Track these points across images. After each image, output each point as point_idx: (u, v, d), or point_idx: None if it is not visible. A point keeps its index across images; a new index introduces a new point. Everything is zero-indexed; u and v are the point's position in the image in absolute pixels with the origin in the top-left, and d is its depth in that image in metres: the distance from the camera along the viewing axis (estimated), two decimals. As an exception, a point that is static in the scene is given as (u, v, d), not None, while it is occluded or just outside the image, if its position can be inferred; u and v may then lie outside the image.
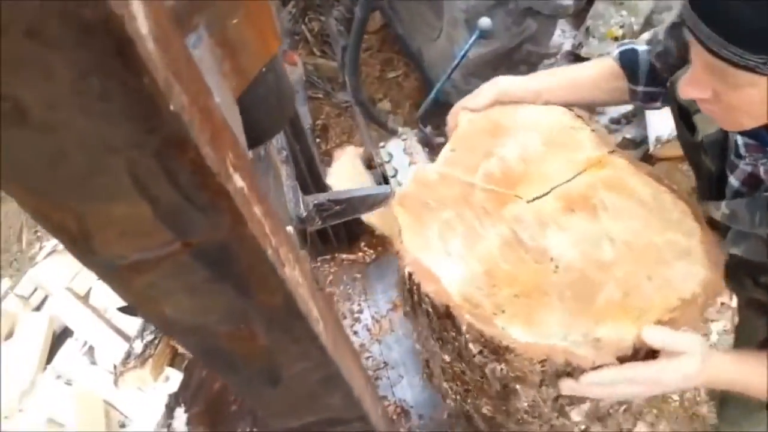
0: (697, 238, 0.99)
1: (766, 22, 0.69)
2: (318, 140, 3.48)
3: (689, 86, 0.87)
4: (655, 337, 0.86)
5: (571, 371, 0.91)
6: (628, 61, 1.22)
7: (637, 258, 0.98)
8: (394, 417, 1.46)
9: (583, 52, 2.85)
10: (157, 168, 0.32)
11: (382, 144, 1.69)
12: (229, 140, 0.40)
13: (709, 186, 1.09)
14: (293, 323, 0.49)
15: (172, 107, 0.29)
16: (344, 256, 1.73)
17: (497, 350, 0.93)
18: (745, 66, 0.74)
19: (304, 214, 0.90)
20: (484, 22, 1.69)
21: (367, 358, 1.61)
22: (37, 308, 2.61)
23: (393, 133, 2.07)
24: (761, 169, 0.96)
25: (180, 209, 0.34)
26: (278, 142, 0.97)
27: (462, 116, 1.27)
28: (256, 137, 0.81)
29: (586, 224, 1.04)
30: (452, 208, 1.12)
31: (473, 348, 0.97)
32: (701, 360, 0.87)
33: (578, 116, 1.21)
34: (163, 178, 0.32)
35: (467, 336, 0.96)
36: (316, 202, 1.05)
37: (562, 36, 3.04)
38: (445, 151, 1.23)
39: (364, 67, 3.59)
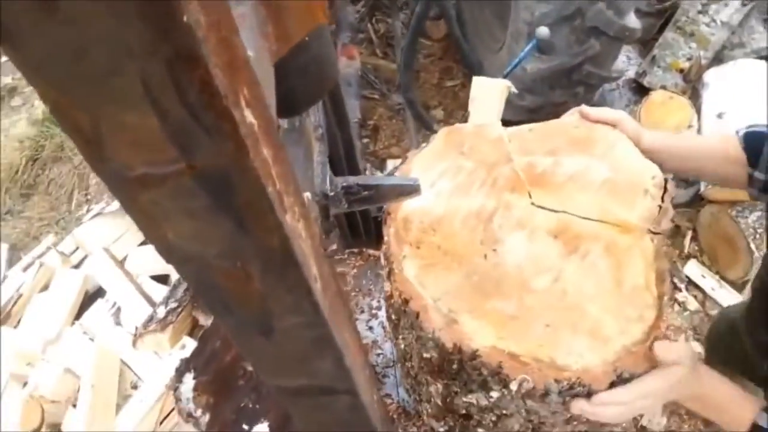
0: (622, 347, 0.93)
1: None
2: (367, 140, 3.52)
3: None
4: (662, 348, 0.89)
5: (585, 392, 0.91)
6: (752, 143, 1.13)
7: (558, 307, 0.97)
8: (395, 416, 1.46)
9: (645, 81, 2.80)
10: (167, 79, 0.34)
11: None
12: (247, 78, 0.41)
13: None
14: (288, 270, 0.50)
15: (185, 18, 0.30)
16: (372, 251, 1.73)
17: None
18: None
19: (331, 192, 0.92)
20: (543, 31, 1.68)
21: (378, 354, 1.61)
22: (76, 266, 2.72)
23: (438, 135, 2.08)
24: None
25: (186, 127, 0.36)
26: (316, 118, 0.98)
27: (571, 113, 1.28)
28: (292, 105, 0.83)
29: (551, 252, 1.04)
30: (474, 162, 1.20)
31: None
32: (692, 367, 0.91)
33: (662, 187, 1.11)
34: (173, 91, 0.34)
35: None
36: (345, 184, 1.06)
37: (627, 62, 2.99)
38: (523, 127, 1.25)
39: (422, 74, 3.61)
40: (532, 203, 1.13)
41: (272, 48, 0.67)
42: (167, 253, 0.46)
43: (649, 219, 1.05)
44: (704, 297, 2.57)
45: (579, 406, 0.91)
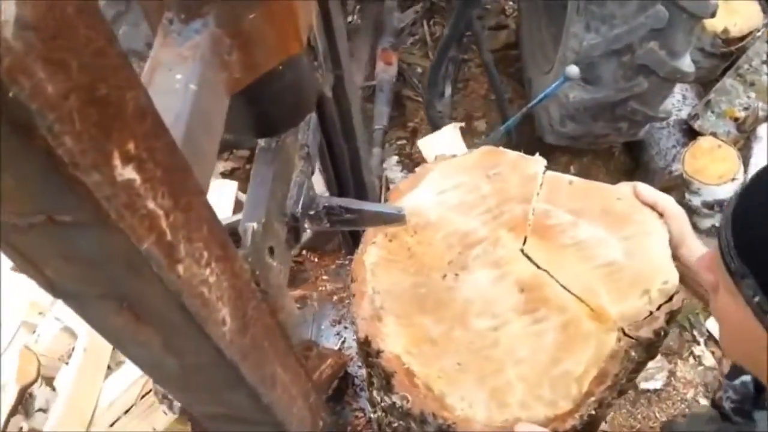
0: (515, 418, 0.89)
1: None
2: (404, 142, 3.50)
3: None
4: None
5: None
6: None
7: (480, 353, 0.97)
8: (359, 427, 1.46)
9: (696, 124, 2.67)
10: (16, 144, 0.34)
11: (456, 154, 1.67)
12: (135, 133, 0.41)
13: None
14: (178, 317, 0.50)
15: (11, 94, 0.30)
16: (349, 311, 1.72)
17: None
18: (735, 280, 0.71)
19: (311, 212, 0.92)
20: (572, 70, 1.62)
21: (360, 367, 1.61)
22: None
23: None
24: None
25: (40, 186, 0.36)
26: (304, 137, 0.98)
27: (627, 185, 1.17)
28: (267, 129, 0.83)
29: (508, 302, 1.01)
30: (493, 189, 1.16)
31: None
32: None
33: (666, 297, 1.02)
34: (21, 155, 0.34)
35: None
36: (327, 204, 1.05)
37: (682, 102, 2.86)
38: (566, 176, 1.19)
39: (471, 83, 3.55)
40: (522, 249, 1.09)
41: (234, 76, 0.66)
42: (50, 288, 0.46)
43: (630, 320, 0.97)
44: (722, 355, 2.46)
45: None
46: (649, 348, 1.00)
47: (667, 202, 1.12)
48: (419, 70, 3.62)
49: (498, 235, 1.11)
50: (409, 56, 3.79)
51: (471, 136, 3.27)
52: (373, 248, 1.10)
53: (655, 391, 2.51)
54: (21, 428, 1.86)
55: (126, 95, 0.40)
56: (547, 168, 1.20)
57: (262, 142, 0.86)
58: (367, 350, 0.97)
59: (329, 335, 1.68)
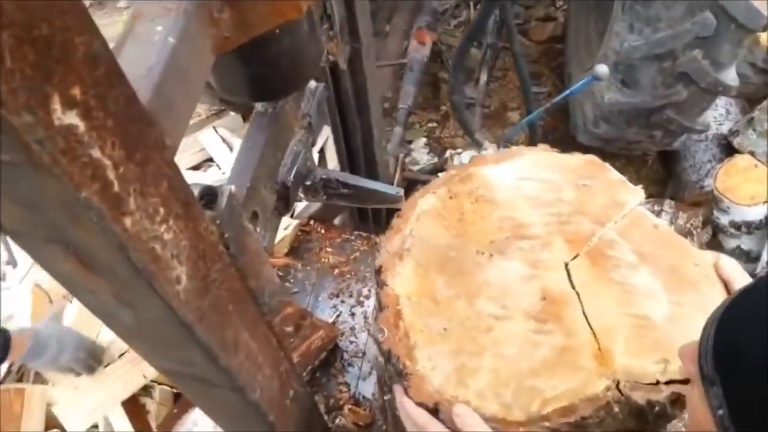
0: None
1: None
2: (434, 125, 3.46)
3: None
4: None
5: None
6: None
7: (466, 334, 0.97)
8: (347, 408, 1.47)
9: (735, 142, 2.58)
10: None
11: (459, 150, 1.64)
12: (84, 77, 0.40)
13: None
14: (124, 270, 0.50)
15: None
16: (379, 238, 1.70)
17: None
18: (705, 386, 0.65)
19: (290, 181, 0.91)
20: (601, 69, 1.57)
21: (351, 342, 1.61)
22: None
23: (477, 144, 2.00)
24: None
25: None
26: (307, 107, 0.96)
27: (714, 255, 1.08)
28: (261, 93, 0.82)
29: (522, 302, 1.01)
30: (573, 198, 1.12)
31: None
32: None
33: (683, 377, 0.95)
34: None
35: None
36: (324, 176, 1.05)
37: (724, 116, 2.75)
38: (652, 218, 1.10)
39: (510, 72, 3.49)
40: (566, 263, 1.04)
41: (224, 34, 0.65)
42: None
43: (632, 378, 0.91)
44: None
45: (397, 389, 0.91)
46: (638, 417, 0.93)
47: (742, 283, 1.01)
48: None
49: (552, 240, 1.06)
50: (450, 38, 3.73)
51: (501, 127, 3.22)
52: (431, 197, 1.10)
53: None
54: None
55: (75, 39, 0.39)
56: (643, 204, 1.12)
57: (259, 106, 0.85)
58: (377, 278, 1.01)
59: (325, 307, 1.69)
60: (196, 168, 3.02)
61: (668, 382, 0.89)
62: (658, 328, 0.96)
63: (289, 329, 1.55)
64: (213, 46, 0.63)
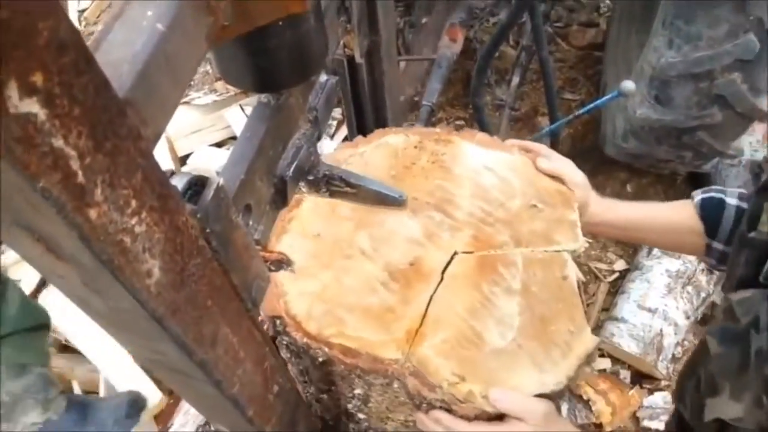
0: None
1: None
2: (463, 123, 3.41)
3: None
4: (499, 397, 0.89)
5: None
6: (710, 212, 1.08)
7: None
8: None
9: (769, 169, 2.49)
10: None
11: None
12: (48, 65, 0.39)
13: None
14: (91, 264, 0.48)
15: None
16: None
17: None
18: None
19: (289, 175, 0.89)
20: (627, 85, 1.52)
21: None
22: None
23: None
24: None
25: None
26: (314, 100, 0.94)
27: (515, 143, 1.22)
28: (263, 84, 0.80)
29: (395, 254, 1.09)
30: (520, 204, 1.14)
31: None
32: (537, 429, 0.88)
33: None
34: None
35: None
36: (328, 173, 1.03)
37: (760, 143, 2.66)
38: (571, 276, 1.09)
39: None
40: (456, 252, 1.08)
41: (222, 23, 0.63)
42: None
43: (421, 369, 0.95)
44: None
45: (418, 417, 0.95)
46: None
47: (566, 170, 1.14)
48: (496, 53, 3.50)
49: (463, 228, 1.10)
50: (486, 36, 3.67)
51: (530, 131, 3.16)
52: (401, 137, 1.19)
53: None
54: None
55: (38, 24, 0.37)
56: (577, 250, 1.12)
57: (262, 96, 0.84)
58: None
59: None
60: (219, 145, 3.03)
61: (447, 395, 0.92)
62: (482, 352, 0.96)
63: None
64: (209, 34, 0.61)
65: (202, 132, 2.89)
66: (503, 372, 0.93)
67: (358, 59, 1.12)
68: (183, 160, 2.80)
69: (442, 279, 1.02)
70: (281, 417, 1.02)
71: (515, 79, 2.62)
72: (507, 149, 1.19)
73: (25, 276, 2.19)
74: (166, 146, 2.66)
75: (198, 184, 0.68)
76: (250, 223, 0.84)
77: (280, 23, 0.69)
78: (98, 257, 0.48)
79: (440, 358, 0.94)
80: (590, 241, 2.80)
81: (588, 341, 0.96)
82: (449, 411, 0.92)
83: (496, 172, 1.15)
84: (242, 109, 2.99)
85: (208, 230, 0.65)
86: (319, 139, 1.01)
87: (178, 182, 0.66)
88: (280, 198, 0.92)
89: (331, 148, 2.44)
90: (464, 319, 0.97)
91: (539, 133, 2.10)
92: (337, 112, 2.74)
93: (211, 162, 2.69)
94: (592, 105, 1.79)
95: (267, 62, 0.74)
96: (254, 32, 0.68)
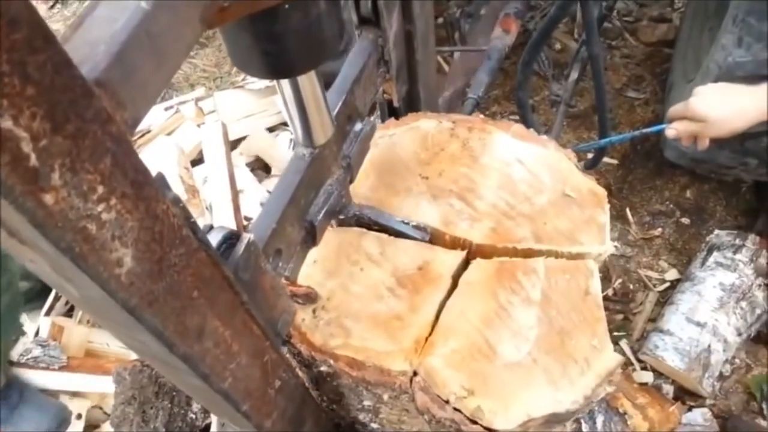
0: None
1: None
2: (517, 118, 3.30)
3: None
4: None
5: None
6: None
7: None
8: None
9: None
10: None
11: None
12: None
13: None
14: (51, 251, 0.47)
15: None
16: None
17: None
18: None
19: (318, 220, 0.90)
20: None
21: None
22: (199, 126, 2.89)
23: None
24: None
25: None
26: (348, 149, 0.94)
27: None
28: (271, 69, 0.77)
29: (403, 260, 1.06)
30: (548, 199, 1.09)
31: None
32: None
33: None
34: None
35: None
36: (357, 213, 1.03)
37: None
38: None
39: (608, 72, 3.26)
40: (469, 261, 1.03)
41: (220, 3, 0.60)
42: None
43: (429, 381, 0.91)
44: None
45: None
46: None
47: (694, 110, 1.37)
48: (558, 46, 3.37)
49: (482, 219, 1.05)
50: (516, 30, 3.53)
51: (587, 129, 3.03)
52: (434, 122, 1.17)
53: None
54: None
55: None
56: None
57: (299, 150, 0.84)
58: None
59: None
60: (271, 130, 3.03)
61: (456, 410, 0.87)
62: (494, 365, 0.90)
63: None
64: (204, 15, 0.58)
65: (255, 116, 2.91)
66: (516, 387, 0.87)
67: (396, 104, 1.13)
68: (235, 144, 2.82)
69: (456, 285, 0.97)
70: (284, 413, 1.00)
71: (573, 74, 2.50)
72: (543, 143, 1.12)
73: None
74: (220, 130, 2.69)
75: (232, 237, 0.69)
76: (280, 264, 0.85)
77: (286, 5, 0.65)
78: (55, 244, 0.46)
79: (450, 369, 0.89)
80: (641, 247, 2.69)
81: (610, 359, 0.90)
82: None
83: (527, 166, 1.09)
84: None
85: (242, 279, 0.67)
86: (351, 182, 0.99)
87: (214, 237, 0.70)
88: (311, 238, 0.92)
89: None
90: (478, 329, 0.92)
91: (586, 144, 2.01)
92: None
93: (257, 151, 2.70)
94: (637, 132, 1.74)
95: (271, 47, 0.70)
96: (260, 15, 0.65)
